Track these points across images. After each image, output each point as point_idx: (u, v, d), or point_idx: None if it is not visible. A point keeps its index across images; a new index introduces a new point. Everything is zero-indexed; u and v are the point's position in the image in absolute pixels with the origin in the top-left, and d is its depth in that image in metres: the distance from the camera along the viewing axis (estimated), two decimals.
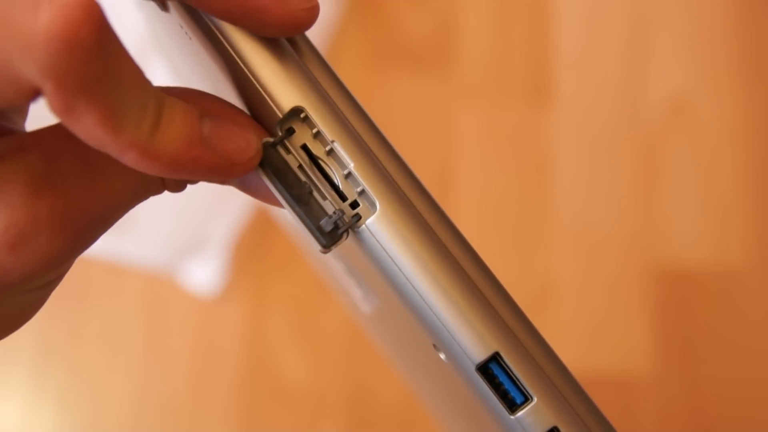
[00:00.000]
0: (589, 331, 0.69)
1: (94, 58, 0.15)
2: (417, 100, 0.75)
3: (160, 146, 0.16)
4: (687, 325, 0.69)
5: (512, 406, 0.18)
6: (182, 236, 0.69)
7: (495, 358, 0.18)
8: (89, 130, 0.15)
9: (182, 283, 0.69)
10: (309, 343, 0.68)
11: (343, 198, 0.19)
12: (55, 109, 0.15)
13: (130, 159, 0.16)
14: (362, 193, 0.19)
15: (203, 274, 0.69)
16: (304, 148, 0.19)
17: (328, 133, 0.18)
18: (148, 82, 0.17)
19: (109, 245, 0.69)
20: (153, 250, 0.69)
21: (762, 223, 0.71)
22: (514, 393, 0.18)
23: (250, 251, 0.70)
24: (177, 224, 0.69)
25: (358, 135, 0.19)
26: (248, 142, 0.18)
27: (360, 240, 0.19)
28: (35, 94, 0.15)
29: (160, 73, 0.71)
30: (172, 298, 0.69)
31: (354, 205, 0.19)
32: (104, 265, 0.69)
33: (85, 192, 0.18)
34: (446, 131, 0.74)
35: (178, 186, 0.20)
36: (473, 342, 0.18)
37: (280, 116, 0.19)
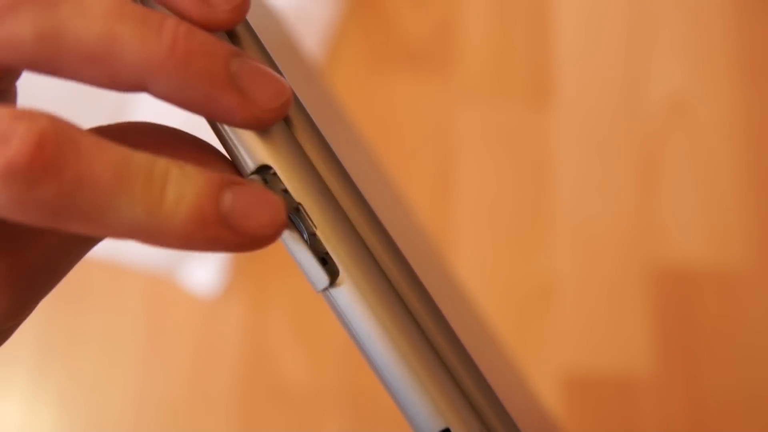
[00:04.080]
0: (590, 332, 0.69)
1: (50, 183, 0.14)
2: (417, 100, 0.75)
3: (166, 227, 0.15)
4: (687, 326, 0.69)
5: None
6: None
7: None
8: (79, 230, 0.15)
9: (182, 283, 0.69)
10: (309, 344, 0.68)
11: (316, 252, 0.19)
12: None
13: (137, 241, 0.15)
14: (327, 254, 0.18)
15: (203, 275, 0.69)
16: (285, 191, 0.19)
17: (293, 195, 0.18)
18: (136, 162, 0.15)
19: (109, 245, 0.68)
20: (153, 250, 0.69)
21: (762, 223, 0.71)
22: None
23: (250, 252, 0.70)
24: None
25: (328, 196, 0.18)
26: (272, 217, 0.17)
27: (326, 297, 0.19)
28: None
29: None
30: (172, 299, 0.69)
31: (323, 261, 0.19)
32: (105, 266, 0.69)
33: (29, 247, 0.17)
34: (446, 131, 0.74)
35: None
36: (422, 418, 0.18)
37: (248, 172, 0.18)
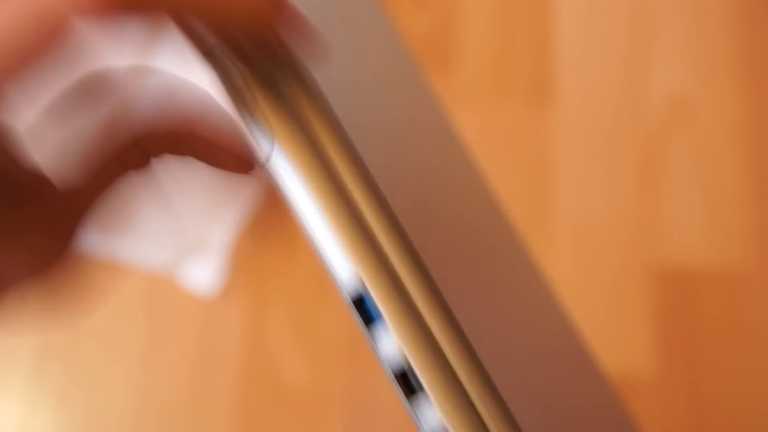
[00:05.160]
0: (591, 332, 0.69)
1: None
2: None
3: None
4: (689, 326, 0.69)
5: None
6: (182, 236, 0.69)
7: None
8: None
9: (182, 282, 0.69)
10: (309, 343, 0.68)
11: None
12: None
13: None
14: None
15: (203, 274, 0.68)
16: None
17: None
18: None
19: (108, 244, 0.68)
20: (153, 249, 0.69)
21: (764, 223, 0.71)
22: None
23: (250, 251, 0.70)
24: (177, 224, 0.69)
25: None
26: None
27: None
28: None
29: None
30: (171, 298, 0.69)
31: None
32: (104, 265, 0.69)
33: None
34: None
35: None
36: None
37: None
